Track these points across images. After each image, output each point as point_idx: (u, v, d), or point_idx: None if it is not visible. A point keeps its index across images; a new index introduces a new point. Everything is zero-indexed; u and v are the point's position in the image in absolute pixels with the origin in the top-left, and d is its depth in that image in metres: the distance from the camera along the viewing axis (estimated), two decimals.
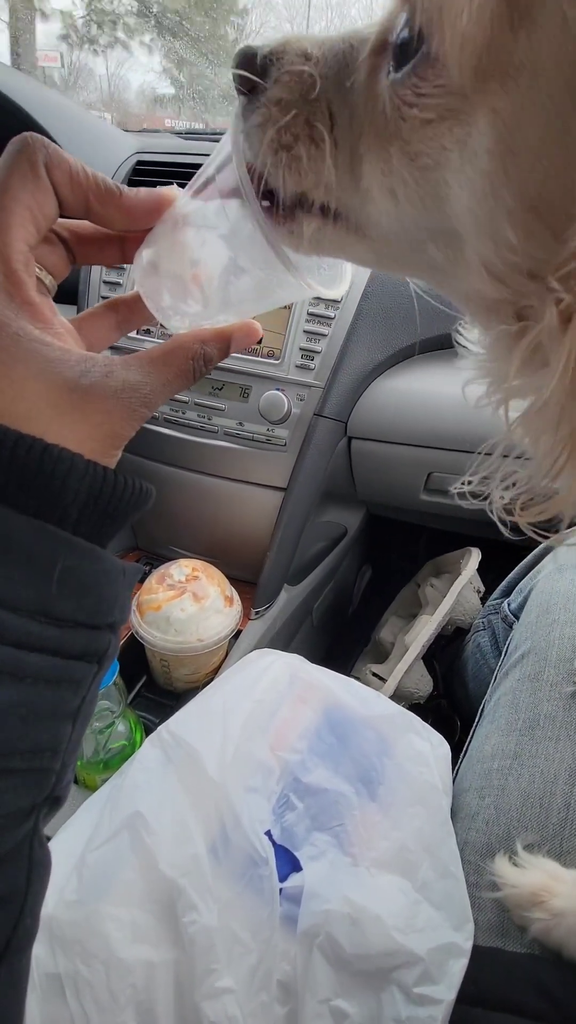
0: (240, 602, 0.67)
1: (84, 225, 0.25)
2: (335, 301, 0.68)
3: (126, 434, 0.22)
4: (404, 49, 0.18)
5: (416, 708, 0.76)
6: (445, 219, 0.18)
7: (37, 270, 0.23)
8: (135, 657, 0.66)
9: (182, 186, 0.25)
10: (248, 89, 0.21)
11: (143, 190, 0.24)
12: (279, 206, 0.22)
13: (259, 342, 0.27)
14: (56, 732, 0.20)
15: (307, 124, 0.20)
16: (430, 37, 0.16)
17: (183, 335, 0.24)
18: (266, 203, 0.22)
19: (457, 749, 0.50)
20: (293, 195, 0.22)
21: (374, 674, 0.79)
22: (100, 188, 0.23)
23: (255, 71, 0.21)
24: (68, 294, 0.76)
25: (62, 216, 0.23)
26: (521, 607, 0.56)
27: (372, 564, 1.18)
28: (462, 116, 0.16)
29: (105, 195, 0.23)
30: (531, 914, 0.34)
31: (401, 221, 0.20)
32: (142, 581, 0.66)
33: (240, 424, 0.71)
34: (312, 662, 0.52)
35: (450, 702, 0.77)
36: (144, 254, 0.25)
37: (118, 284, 0.73)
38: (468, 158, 0.16)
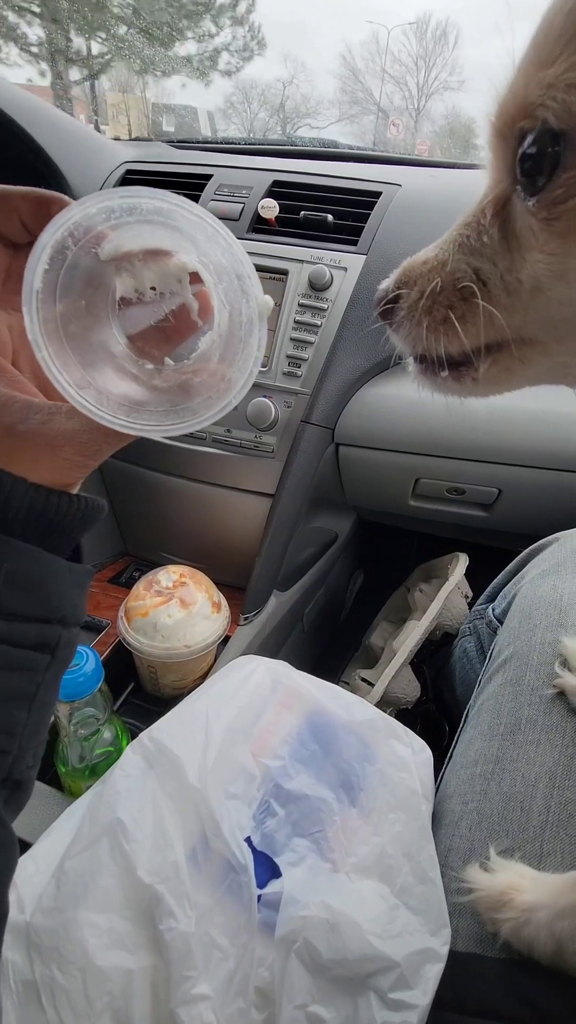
0: (228, 608, 0.67)
1: None
2: (322, 309, 0.68)
3: (68, 480, 0.23)
4: (533, 169, 0.20)
5: (404, 713, 0.76)
6: None
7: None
8: (123, 664, 0.66)
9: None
10: (390, 319, 0.26)
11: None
12: (445, 367, 0.25)
13: None
14: (11, 715, 0.22)
15: (452, 291, 0.24)
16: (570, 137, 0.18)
17: None
18: (444, 373, 0.25)
19: (445, 755, 0.50)
20: (459, 353, 0.25)
21: (363, 679, 0.79)
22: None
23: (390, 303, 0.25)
24: None
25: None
26: (505, 612, 0.56)
27: (364, 569, 1.18)
28: None
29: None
30: (500, 915, 0.34)
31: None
32: (129, 587, 0.66)
33: (228, 431, 0.71)
34: (303, 667, 0.52)
35: (439, 707, 0.77)
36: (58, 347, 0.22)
37: None
38: None
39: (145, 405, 0.23)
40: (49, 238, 0.20)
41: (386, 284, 0.26)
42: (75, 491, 0.24)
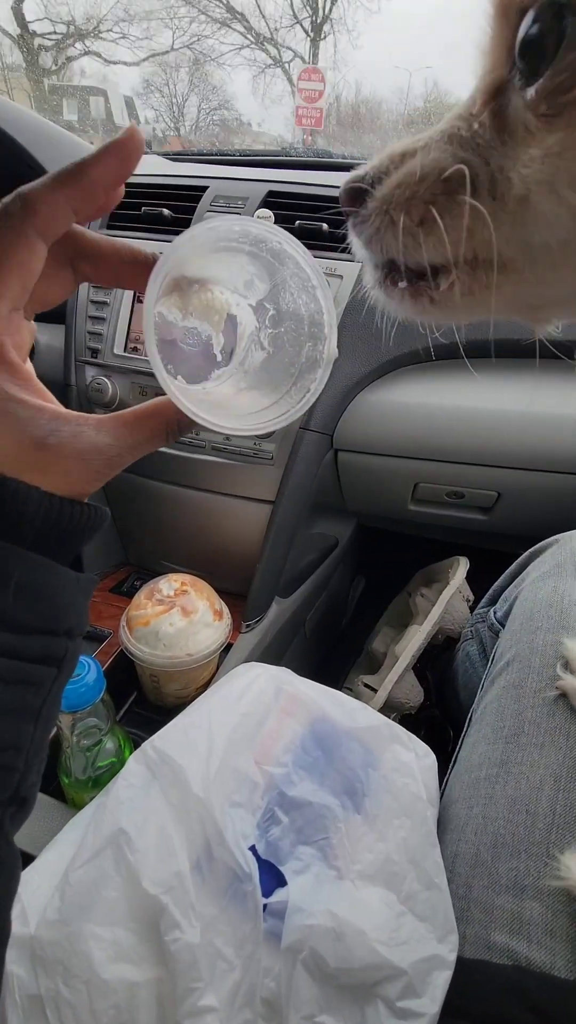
0: (230, 616, 0.67)
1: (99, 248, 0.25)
2: None
3: (86, 491, 0.23)
4: (535, 51, 0.17)
5: (408, 719, 0.76)
6: None
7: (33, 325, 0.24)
8: (125, 673, 0.66)
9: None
10: (356, 205, 0.22)
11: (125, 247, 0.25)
12: (414, 279, 0.22)
13: None
14: (18, 730, 0.22)
15: (436, 182, 0.20)
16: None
17: (159, 400, 0.25)
18: (403, 284, 0.22)
19: (449, 760, 0.50)
20: (431, 264, 0.21)
21: (366, 685, 0.79)
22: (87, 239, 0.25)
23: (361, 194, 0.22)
24: (56, 314, 0.77)
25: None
26: (507, 615, 0.56)
27: (365, 575, 1.18)
28: None
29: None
30: None
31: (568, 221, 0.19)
32: (130, 597, 0.66)
33: (227, 438, 0.72)
34: (305, 674, 0.52)
35: (442, 712, 0.77)
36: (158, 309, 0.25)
37: (105, 303, 0.74)
38: None
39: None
40: (162, 265, 0.22)
41: (360, 171, 0.22)
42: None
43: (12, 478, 0.21)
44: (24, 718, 0.22)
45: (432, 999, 0.33)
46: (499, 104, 0.19)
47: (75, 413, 0.23)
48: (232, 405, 0.26)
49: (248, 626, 0.73)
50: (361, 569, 1.16)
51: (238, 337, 0.26)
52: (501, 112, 0.19)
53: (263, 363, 0.27)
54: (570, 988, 0.33)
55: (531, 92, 0.18)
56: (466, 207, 0.19)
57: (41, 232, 0.22)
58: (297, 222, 0.71)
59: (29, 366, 0.24)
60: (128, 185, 0.76)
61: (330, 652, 1.03)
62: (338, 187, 0.23)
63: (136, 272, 0.25)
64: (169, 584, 0.65)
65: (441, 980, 0.33)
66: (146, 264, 0.25)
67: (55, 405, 0.23)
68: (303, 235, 0.72)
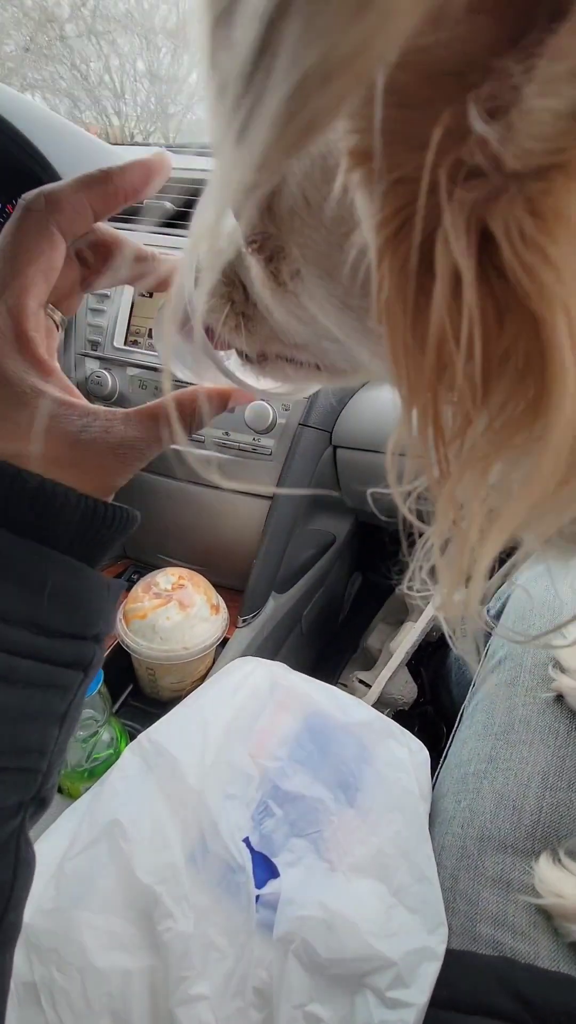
0: (227, 610, 0.67)
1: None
2: None
3: (118, 484, 0.24)
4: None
5: (402, 715, 0.77)
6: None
7: (49, 310, 0.24)
8: (121, 666, 0.66)
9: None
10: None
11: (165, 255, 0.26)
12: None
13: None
14: (44, 734, 0.22)
15: (235, 300, 0.23)
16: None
17: (182, 392, 0.25)
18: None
19: (442, 755, 0.51)
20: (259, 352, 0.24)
21: (361, 681, 0.79)
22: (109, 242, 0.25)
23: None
24: None
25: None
26: (500, 613, 0.56)
27: (363, 571, 1.18)
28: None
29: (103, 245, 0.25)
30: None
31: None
32: (128, 590, 0.66)
33: (226, 434, 0.72)
34: (301, 669, 0.53)
35: (436, 709, 0.78)
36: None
37: (105, 295, 0.74)
38: None
39: None
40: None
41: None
42: (111, 499, 0.24)
43: (50, 480, 0.21)
44: (50, 722, 0.22)
45: (421, 990, 0.33)
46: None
47: (104, 408, 0.23)
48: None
49: (245, 621, 0.73)
50: (358, 565, 1.17)
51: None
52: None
53: None
54: (553, 978, 0.34)
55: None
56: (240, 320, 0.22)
57: (63, 229, 0.22)
58: None
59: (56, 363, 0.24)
60: None
61: (326, 648, 1.04)
62: None
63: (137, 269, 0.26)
64: (167, 578, 0.65)
65: (430, 971, 0.34)
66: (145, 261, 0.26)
67: (84, 401, 0.23)
68: None
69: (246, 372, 0.25)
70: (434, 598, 0.18)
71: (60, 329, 0.25)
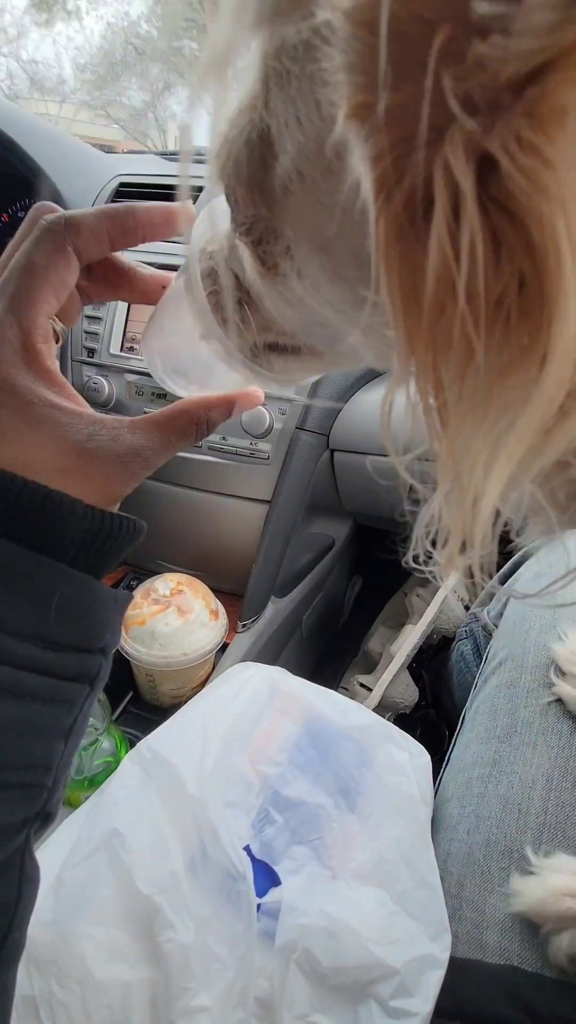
0: (226, 615, 0.67)
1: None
2: None
3: (124, 492, 0.24)
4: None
5: (403, 718, 0.76)
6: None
7: (57, 326, 0.25)
8: (121, 672, 0.66)
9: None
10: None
11: (150, 274, 0.26)
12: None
13: None
14: (50, 749, 0.21)
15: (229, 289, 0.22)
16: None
17: (188, 400, 0.26)
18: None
19: (444, 759, 0.50)
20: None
21: (361, 684, 0.79)
22: (112, 262, 0.26)
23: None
24: None
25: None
26: (500, 614, 0.56)
27: (362, 574, 1.18)
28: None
29: (116, 272, 0.26)
30: (558, 926, 0.33)
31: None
32: None
33: (224, 438, 0.71)
34: (302, 674, 0.52)
35: (438, 712, 0.77)
36: (151, 327, 0.27)
37: (98, 318, 0.74)
38: None
39: None
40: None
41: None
42: (116, 509, 0.24)
43: (57, 491, 0.20)
44: (56, 736, 0.22)
45: (425, 998, 0.33)
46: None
47: (110, 417, 0.23)
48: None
49: (244, 626, 0.73)
50: (358, 569, 1.16)
51: None
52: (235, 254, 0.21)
53: None
54: (562, 988, 0.33)
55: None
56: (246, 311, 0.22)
57: (79, 251, 0.23)
58: None
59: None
60: (125, 186, 0.77)
61: (327, 652, 1.03)
62: None
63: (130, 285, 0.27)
64: (165, 584, 0.65)
65: (434, 979, 0.33)
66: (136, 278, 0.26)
67: (90, 410, 0.23)
68: None
69: (250, 370, 0.25)
70: (437, 562, 0.18)
71: (60, 340, 0.25)
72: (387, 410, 0.15)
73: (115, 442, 0.22)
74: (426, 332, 0.12)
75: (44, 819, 0.22)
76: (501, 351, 0.11)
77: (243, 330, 0.22)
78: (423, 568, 0.20)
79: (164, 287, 0.26)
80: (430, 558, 0.19)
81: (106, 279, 0.26)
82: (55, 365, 0.23)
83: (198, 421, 0.25)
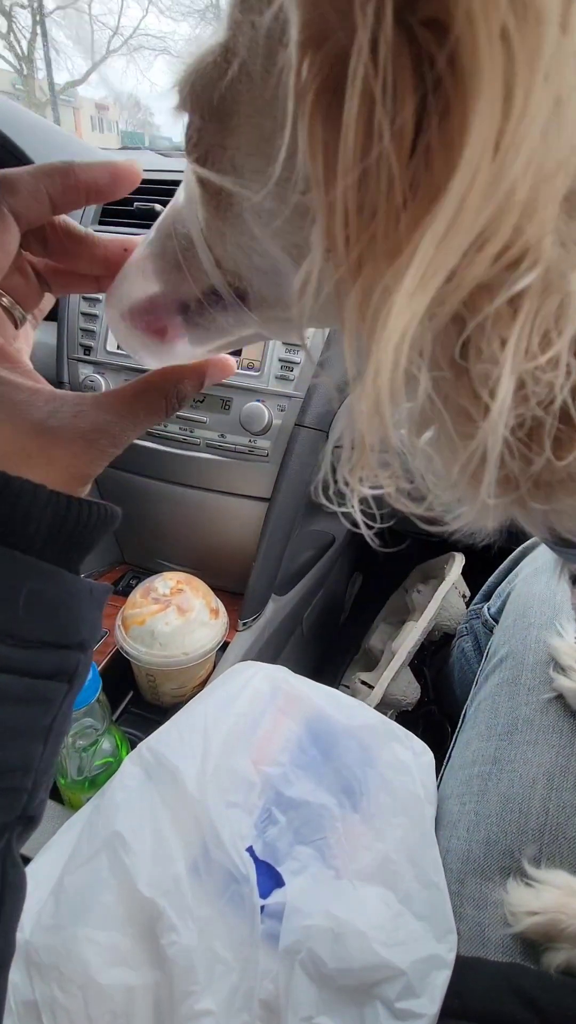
0: (226, 614, 0.66)
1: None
2: None
3: (93, 473, 0.22)
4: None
5: (406, 715, 0.76)
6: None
7: (7, 303, 0.23)
8: (121, 673, 0.65)
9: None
10: None
11: (110, 238, 0.24)
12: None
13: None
14: (27, 751, 0.20)
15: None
16: None
17: (156, 372, 0.24)
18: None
19: (447, 756, 0.50)
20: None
21: (363, 682, 0.79)
22: (66, 228, 0.24)
23: None
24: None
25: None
26: (500, 611, 0.56)
27: (363, 571, 1.18)
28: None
29: (72, 239, 0.24)
30: (556, 943, 0.33)
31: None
32: (126, 595, 0.65)
33: (222, 436, 0.71)
34: (303, 672, 0.52)
35: (440, 709, 0.77)
36: (113, 295, 0.25)
37: (97, 300, 0.74)
38: None
39: None
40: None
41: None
42: (86, 492, 0.23)
43: (16, 476, 0.19)
44: (34, 737, 0.21)
45: (431, 999, 0.32)
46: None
47: (72, 393, 0.22)
48: None
49: (245, 624, 0.72)
50: (358, 566, 1.16)
51: None
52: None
53: None
54: (567, 984, 0.33)
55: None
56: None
57: (16, 213, 0.21)
58: None
59: (26, 334, 0.23)
60: None
61: (328, 649, 1.03)
62: None
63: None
64: (165, 583, 0.64)
65: (440, 980, 0.33)
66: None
67: (49, 386, 0.22)
68: None
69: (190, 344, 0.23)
70: (346, 479, 0.17)
71: (20, 325, 0.24)
72: (306, 288, 0.15)
73: (79, 419, 0.21)
74: (344, 175, 0.12)
75: (27, 823, 0.21)
76: (417, 193, 0.11)
77: (191, 277, 0.21)
78: (332, 502, 0.19)
79: (126, 249, 0.24)
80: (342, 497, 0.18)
81: (63, 248, 0.24)
82: (9, 341, 0.22)
83: (167, 395, 0.23)
